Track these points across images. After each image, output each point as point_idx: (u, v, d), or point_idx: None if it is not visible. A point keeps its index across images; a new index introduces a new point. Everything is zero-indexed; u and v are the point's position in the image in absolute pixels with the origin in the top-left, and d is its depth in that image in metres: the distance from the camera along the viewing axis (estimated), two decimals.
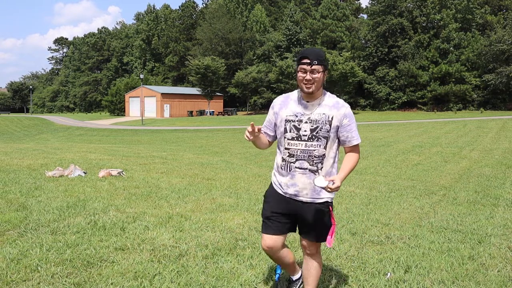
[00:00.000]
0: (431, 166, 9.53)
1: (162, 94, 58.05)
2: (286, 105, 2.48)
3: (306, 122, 2.39)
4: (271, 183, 2.63)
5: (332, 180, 2.26)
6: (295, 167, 2.43)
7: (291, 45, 63.50)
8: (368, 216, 4.92)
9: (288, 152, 2.44)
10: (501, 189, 6.64)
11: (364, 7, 73.50)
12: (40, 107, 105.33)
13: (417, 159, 10.82)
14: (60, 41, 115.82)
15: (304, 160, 2.41)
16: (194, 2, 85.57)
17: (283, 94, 2.59)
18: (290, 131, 2.42)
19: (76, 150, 12.75)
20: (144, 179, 7.09)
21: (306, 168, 2.42)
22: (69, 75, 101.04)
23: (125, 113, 63.88)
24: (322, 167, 2.43)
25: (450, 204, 5.62)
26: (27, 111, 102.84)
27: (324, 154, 2.43)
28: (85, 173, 7.44)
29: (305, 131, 2.39)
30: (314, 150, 2.40)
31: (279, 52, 63.83)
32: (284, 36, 64.36)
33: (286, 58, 58.23)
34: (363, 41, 61.53)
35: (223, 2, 74.03)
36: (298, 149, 2.41)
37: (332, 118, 2.40)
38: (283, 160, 2.47)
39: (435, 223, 4.64)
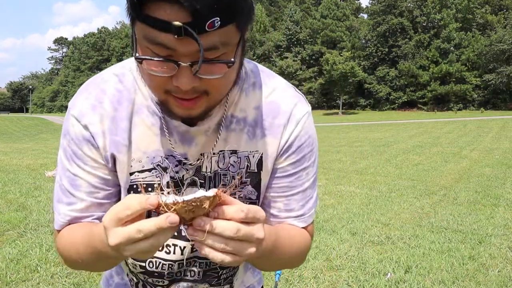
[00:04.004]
0: (431, 166, 9.52)
1: None
2: (122, 136, 0.74)
3: (192, 185, 0.78)
4: None
5: None
6: None
7: (291, 45, 63.52)
8: (368, 216, 4.91)
9: (144, 268, 0.85)
10: (502, 189, 6.63)
11: (364, 6, 73.58)
12: (39, 107, 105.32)
13: (417, 159, 10.80)
14: (59, 41, 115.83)
15: (196, 281, 0.88)
16: None
17: (93, 95, 0.74)
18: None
19: None
20: None
21: None
22: (69, 75, 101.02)
23: None
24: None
25: (451, 204, 5.61)
26: (27, 111, 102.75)
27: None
28: None
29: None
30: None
31: (279, 52, 63.86)
32: (284, 36, 64.39)
33: (286, 58, 58.25)
34: (363, 41, 61.57)
35: None
36: (172, 260, 0.84)
37: (260, 161, 0.78)
38: (132, 274, 0.90)
39: (436, 223, 4.64)
